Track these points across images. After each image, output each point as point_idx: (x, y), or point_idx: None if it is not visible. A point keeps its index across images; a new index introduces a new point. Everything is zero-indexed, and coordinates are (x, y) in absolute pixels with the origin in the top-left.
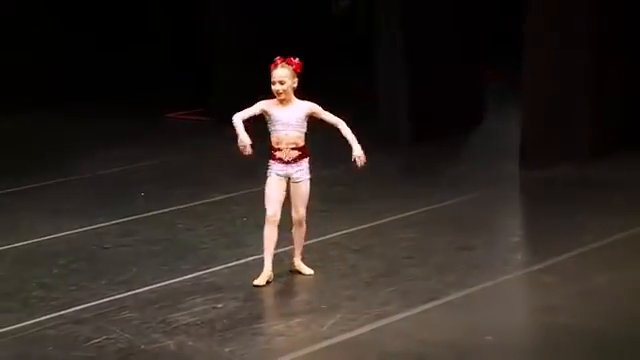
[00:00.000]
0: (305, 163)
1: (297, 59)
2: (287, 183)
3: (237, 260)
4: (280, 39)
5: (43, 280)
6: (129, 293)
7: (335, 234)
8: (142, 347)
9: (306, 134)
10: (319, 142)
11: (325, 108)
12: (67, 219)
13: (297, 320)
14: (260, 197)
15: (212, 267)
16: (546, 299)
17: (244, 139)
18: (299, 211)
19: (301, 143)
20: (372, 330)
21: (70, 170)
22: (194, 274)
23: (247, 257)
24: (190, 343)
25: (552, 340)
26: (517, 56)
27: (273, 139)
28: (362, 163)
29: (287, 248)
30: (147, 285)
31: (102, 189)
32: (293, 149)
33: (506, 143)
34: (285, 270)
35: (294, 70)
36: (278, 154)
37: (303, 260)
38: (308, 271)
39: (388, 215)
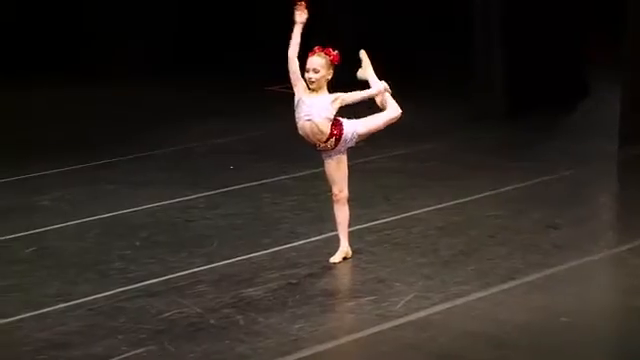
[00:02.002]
0: (347, 136)
1: (336, 51)
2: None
3: (318, 235)
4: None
5: (124, 252)
6: (207, 267)
7: (421, 210)
8: (212, 322)
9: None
10: (408, 118)
11: (421, 82)
12: (155, 192)
13: (370, 298)
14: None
15: (292, 242)
16: (631, 281)
17: None
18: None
19: (327, 131)
20: (446, 309)
21: (163, 142)
22: (274, 249)
23: (328, 232)
24: (260, 319)
25: (632, 324)
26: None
27: (299, 131)
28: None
29: (367, 224)
30: (226, 259)
31: (193, 162)
32: (327, 140)
33: (607, 119)
34: (364, 247)
35: (331, 61)
36: (318, 147)
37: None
38: None
39: (478, 192)
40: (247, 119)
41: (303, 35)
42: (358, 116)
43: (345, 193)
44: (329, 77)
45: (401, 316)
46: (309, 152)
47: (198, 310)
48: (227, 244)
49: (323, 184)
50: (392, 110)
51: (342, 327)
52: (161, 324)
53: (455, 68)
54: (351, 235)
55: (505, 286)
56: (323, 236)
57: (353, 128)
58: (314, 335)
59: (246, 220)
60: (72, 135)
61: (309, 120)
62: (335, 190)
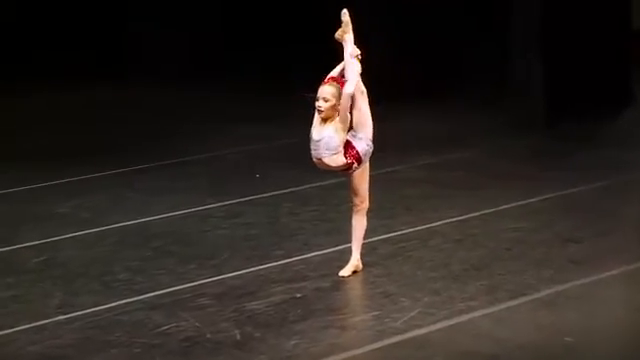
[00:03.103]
0: (363, 151)
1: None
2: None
3: (333, 247)
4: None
5: (133, 263)
6: (213, 279)
7: (441, 222)
8: (208, 336)
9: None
10: (440, 124)
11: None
12: (178, 200)
13: (374, 313)
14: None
15: (305, 254)
16: None
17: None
18: None
19: (342, 163)
20: (448, 327)
21: (194, 149)
22: (285, 260)
23: (343, 244)
24: (257, 334)
25: (638, 343)
26: None
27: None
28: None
29: (383, 236)
30: (234, 271)
31: (221, 169)
32: (347, 169)
33: None
34: (376, 259)
35: (341, 90)
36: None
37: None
38: None
39: (504, 203)
40: (282, 125)
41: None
42: None
43: (366, 204)
44: (339, 107)
45: (401, 333)
46: None
47: (196, 324)
48: (238, 255)
49: (346, 194)
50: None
51: (339, 344)
52: (156, 338)
53: (491, 72)
54: (365, 247)
55: (513, 303)
56: (337, 248)
57: (365, 141)
58: (309, 352)
59: (262, 230)
60: (100, 141)
61: (319, 159)
62: (357, 201)
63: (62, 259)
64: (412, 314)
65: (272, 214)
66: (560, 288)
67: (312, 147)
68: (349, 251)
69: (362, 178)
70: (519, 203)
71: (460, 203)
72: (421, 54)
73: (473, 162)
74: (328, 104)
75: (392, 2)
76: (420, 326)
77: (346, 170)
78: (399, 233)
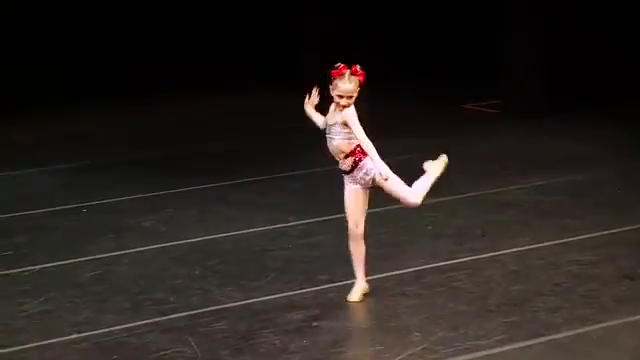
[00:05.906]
0: (366, 164)
1: (360, 68)
2: (367, 190)
3: (377, 274)
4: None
5: (176, 281)
6: (241, 302)
7: (507, 250)
8: None
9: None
10: (572, 144)
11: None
12: (259, 216)
13: (376, 348)
14: (463, 204)
15: (347, 280)
16: None
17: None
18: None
19: (348, 149)
20: None
21: (308, 162)
22: (323, 286)
23: (389, 272)
24: None
25: None
26: None
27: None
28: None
29: (439, 264)
30: (266, 295)
31: (326, 184)
32: (346, 157)
33: None
34: (415, 289)
35: (360, 81)
36: (338, 165)
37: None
38: None
39: (587, 232)
40: (397, 141)
41: None
42: None
43: (361, 229)
44: (356, 95)
45: None
46: (454, 178)
47: (197, 350)
48: (283, 278)
49: (431, 215)
50: (411, 195)
51: None
52: None
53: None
54: (413, 275)
55: (526, 343)
56: (380, 276)
57: (376, 168)
58: None
59: (323, 252)
60: (214, 151)
61: (331, 139)
62: (351, 224)
63: (113, 274)
64: (415, 351)
65: (343, 235)
66: (585, 329)
67: (327, 130)
68: (390, 279)
69: (358, 202)
70: (599, 233)
71: (540, 231)
72: (567, 70)
73: (581, 187)
74: (352, 100)
75: (540, 17)
76: None
77: (342, 158)
78: (456, 261)
